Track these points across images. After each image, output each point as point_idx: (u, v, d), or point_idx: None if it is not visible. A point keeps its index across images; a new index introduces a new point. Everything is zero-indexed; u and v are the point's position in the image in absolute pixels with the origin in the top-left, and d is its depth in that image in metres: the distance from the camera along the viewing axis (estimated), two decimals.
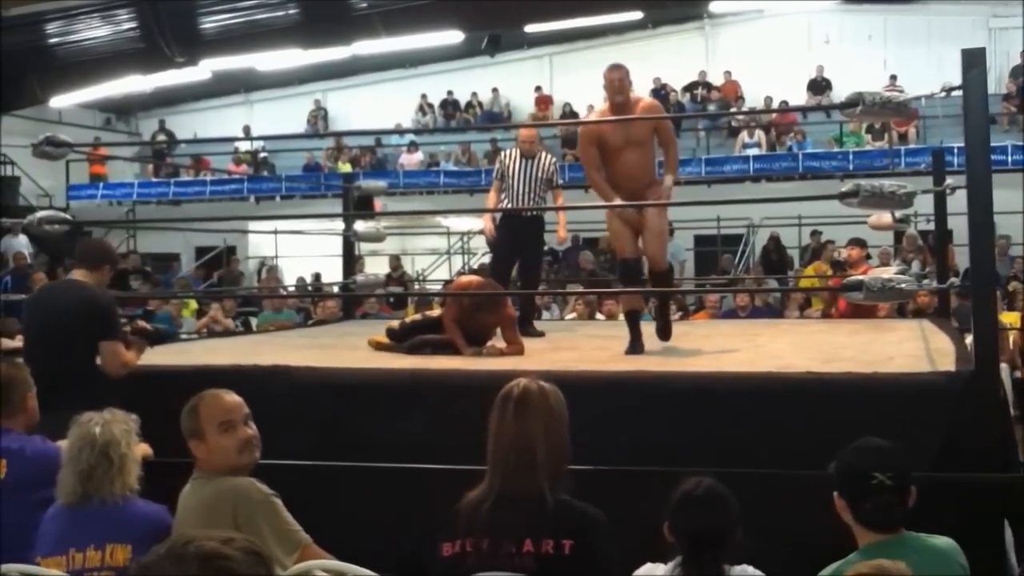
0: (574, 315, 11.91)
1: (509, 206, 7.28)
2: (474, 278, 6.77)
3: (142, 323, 5.66)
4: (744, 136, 18.72)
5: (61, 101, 21.17)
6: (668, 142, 6.11)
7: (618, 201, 5.78)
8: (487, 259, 17.72)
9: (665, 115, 6.33)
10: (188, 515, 3.20)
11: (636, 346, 5.82)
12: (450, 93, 22.12)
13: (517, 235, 7.36)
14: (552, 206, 7.47)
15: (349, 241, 8.64)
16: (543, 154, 7.53)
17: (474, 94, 22.06)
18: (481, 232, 18.36)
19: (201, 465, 3.30)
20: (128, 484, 3.30)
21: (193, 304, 13.42)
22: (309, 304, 12.72)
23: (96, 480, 3.26)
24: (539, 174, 7.32)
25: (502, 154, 7.59)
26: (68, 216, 5.78)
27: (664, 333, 6.16)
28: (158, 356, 5.43)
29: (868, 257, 10.47)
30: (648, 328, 6.11)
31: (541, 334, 7.06)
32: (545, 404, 2.85)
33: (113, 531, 3.21)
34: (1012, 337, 10.40)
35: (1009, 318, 10.60)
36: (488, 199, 7.56)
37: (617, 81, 5.84)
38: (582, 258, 15.50)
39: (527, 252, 7.52)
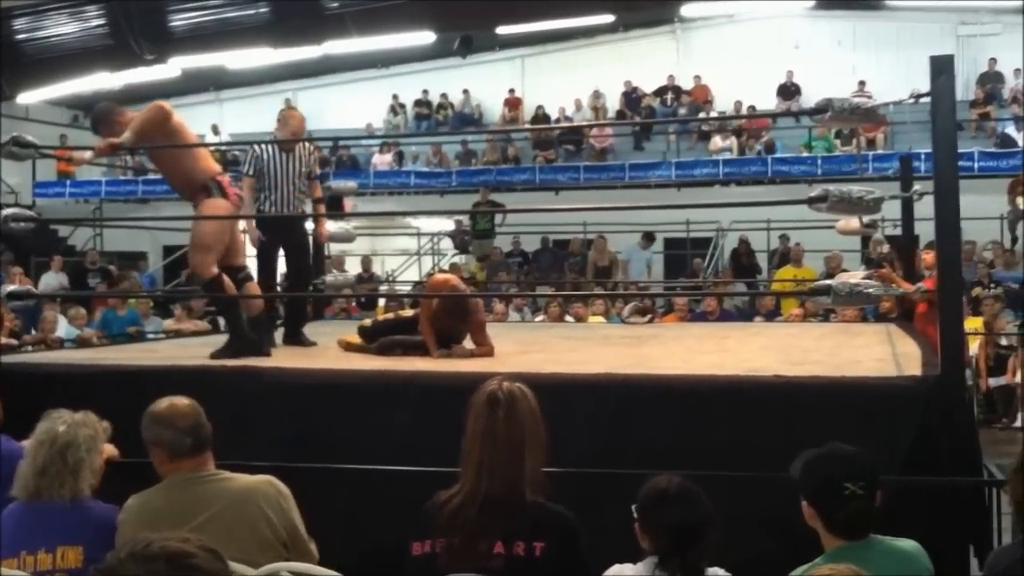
0: (543, 317, 11.93)
1: (270, 204, 6.71)
2: (450, 276, 6.61)
3: None
4: (718, 140, 18.79)
5: (28, 97, 21.00)
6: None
7: None
8: (458, 259, 17.76)
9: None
10: (221, 510, 3.13)
11: (231, 349, 5.69)
12: (425, 92, 22.05)
13: (283, 236, 6.81)
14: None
15: (318, 241, 8.58)
16: (300, 146, 6.85)
17: (444, 95, 22.01)
18: (449, 234, 18.39)
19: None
20: (79, 489, 3.25)
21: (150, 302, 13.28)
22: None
23: (48, 478, 3.23)
24: (299, 167, 6.79)
25: (257, 148, 6.80)
26: (34, 214, 5.69)
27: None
28: (127, 355, 5.39)
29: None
30: (635, 331, 6.08)
31: (313, 343, 6.66)
32: (529, 407, 2.86)
33: (64, 533, 3.18)
34: (979, 343, 10.52)
35: (974, 323, 10.71)
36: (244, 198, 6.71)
37: None
38: None
39: (296, 254, 7.01)
